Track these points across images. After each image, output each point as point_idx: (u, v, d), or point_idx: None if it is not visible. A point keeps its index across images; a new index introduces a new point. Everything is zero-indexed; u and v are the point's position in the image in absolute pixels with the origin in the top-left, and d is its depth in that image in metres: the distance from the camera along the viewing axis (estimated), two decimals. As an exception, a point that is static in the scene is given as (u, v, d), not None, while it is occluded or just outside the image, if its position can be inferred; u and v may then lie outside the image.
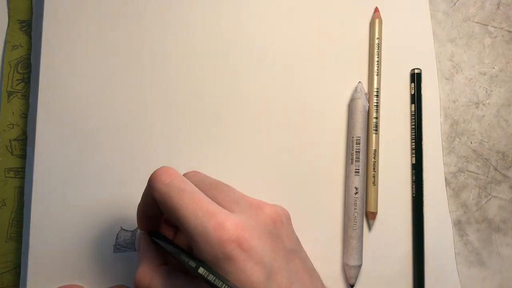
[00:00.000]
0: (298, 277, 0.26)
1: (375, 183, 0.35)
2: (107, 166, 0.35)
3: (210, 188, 0.27)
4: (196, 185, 0.27)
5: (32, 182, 0.34)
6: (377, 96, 0.36)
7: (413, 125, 0.36)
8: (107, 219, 0.34)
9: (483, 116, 0.37)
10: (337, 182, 0.36)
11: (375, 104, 0.36)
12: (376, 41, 0.37)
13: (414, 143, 0.36)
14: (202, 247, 0.24)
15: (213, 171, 0.35)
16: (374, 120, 0.36)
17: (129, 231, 0.34)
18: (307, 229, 0.35)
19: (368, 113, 0.36)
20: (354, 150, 0.35)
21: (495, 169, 0.36)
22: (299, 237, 0.29)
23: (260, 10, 0.38)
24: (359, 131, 0.35)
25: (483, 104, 0.37)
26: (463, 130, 0.37)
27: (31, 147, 0.35)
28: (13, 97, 0.37)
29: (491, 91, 0.38)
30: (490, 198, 0.36)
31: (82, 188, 0.35)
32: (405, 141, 0.36)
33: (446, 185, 0.36)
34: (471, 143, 0.37)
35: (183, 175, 0.29)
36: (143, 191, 0.34)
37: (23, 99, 0.37)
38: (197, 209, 0.24)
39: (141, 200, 0.29)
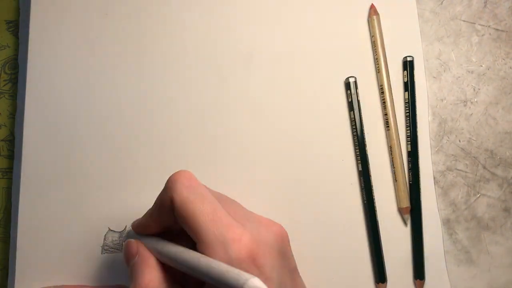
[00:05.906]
0: None
1: (397, 179, 0.35)
2: (94, 166, 0.35)
3: (221, 201, 0.26)
4: None
5: (19, 182, 0.34)
6: (383, 93, 0.36)
7: (407, 113, 0.36)
8: (95, 220, 0.34)
9: (471, 114, 0.37)
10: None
11: (382, 101, 0.36)
12: (379, 38, 0.37)
13: (409, 131, 0.36)
14: (219, 256, 0.23)
15: (207, 171, 0.35)
16: (384, 116, 0.36)
17: (117, 232, 0.34)
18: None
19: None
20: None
21: (484, 167, 0.36)
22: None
23: (251, 15, 0.38)
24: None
25: (471, 103, 0.37)
26: (451, 129, 0.37)
27: (19, 147, 0.35)
28: (1, 97, 0.37)
29: (479, 89, 0.38)
30: (478, 197, 0.36)
31: (69, 189, 0.35)
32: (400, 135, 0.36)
33: (434, 184, 0.36)
34: (460, 141, 0.37)
35: None
36: (130, 191, 0.34)
37: (11, 100, 0.37)
38: (216, 219, 0.24)
39: (154, 205, 0.28)
